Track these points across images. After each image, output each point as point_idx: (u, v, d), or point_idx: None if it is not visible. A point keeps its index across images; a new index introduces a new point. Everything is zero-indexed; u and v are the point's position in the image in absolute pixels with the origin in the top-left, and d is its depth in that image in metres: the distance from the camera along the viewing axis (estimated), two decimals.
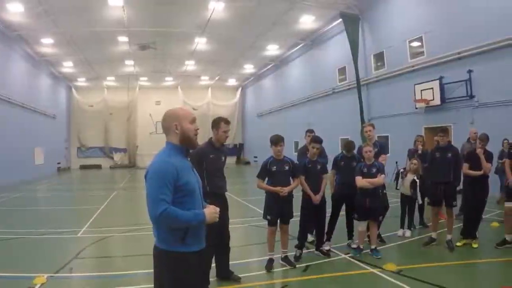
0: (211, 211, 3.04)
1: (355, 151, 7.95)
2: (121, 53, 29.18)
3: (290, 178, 6.68)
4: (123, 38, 25.51)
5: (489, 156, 7.88)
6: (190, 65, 34.09)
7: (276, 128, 23.79)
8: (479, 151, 7.86)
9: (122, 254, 8.07)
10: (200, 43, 27.15)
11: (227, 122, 5.80)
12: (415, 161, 8.86)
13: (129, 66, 33.34)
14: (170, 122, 3.08)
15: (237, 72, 39.02)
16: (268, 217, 6.60)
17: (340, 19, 21.68)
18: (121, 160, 42.47)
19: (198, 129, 3.17)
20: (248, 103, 45.81)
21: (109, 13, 21.03)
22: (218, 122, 5.75)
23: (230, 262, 6.06)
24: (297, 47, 29.46)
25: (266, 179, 6.63)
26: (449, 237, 7.75)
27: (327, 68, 26.10)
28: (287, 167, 6.58)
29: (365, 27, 21.88)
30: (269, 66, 35.94)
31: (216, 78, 40.32)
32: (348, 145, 7.83)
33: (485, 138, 8.07)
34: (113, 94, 41.80)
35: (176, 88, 42.52)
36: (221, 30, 24.38)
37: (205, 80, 40.90)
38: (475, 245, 7.76)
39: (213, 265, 5.84)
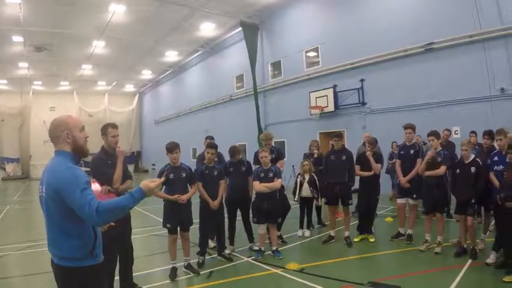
0: (146, 183, 2.85)
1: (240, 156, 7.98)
2: (15, 54, 26.67)
3: (188, 185, 6.56)
4: (18, 38, 23.31)
5: (378, 158, 8.36)
6: (87, 69, 32.17)
7: (174, 135, 23.40)
8: (368, 153, 8.33)
9: (21, 274, 7.23)
10: (98, 46, 25.79)
11: (114, 126, 5.52)
12: (305, 162, 9.11)
13: (23, 68, 30.57)
14: (59, 131, 2.88)
15: (135, 78, 37.75)
16: (168, 225, 6.44)
17: (240, 28, 21.98)
18: (14, 171, 38.40)
19: (88, 136, 3.03)
20: (145, 110, 44.50)
21: (5, 10, 19.14)
22: (105, 128, 5.48)
23: (133, 274, 5.76)
24: (196, 54, 29.34)
25: (164, 187, 6.41)
26: (346, 233, 8.19)
27: (225, 76, 26.29)
28: (184, 174, 6.45)
29: (264, 37, 22.44)
30: (167, 72, 35.33)
31: (113, 84, 38.61)
32: (231, 150, 7.81)
33: (373, 142, 8.57)
34: (4, 99, 37.70)
35: (72, 93, 39.74)
36: (121, 34, 23.45)
37: (102, 85, 38.86)
38: (371, 240, 8.28)
39: (117, 277, 5.49)
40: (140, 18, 21.32)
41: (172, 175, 6.31)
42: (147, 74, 36.63)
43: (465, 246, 6.93)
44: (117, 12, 20.14)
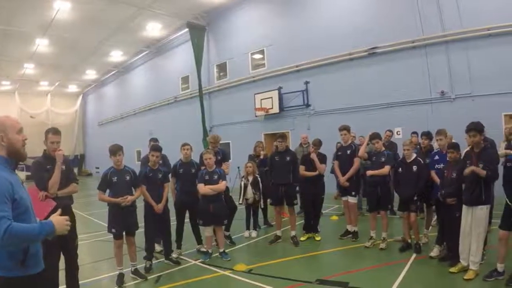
0: (59, 220, 2.64)
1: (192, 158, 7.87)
2: None
3: (132, 188, 6.35)
4: None
5: (323, 158, 8.45)
6: (29, 69, 30.41)
7: (118, 137, 22.82)
8: (312, 155, 8.39)
9: None
10: (41, 45, 24.50)
11: (55, 133, 5.20)
12: (249, 164, 9.09)
13: None
14: None
15: (78, 78, 36.19)
16: (113, 230, 6.20)
17: (187, 29, 21.66)
18: None
19: (26, 139, 2.82)
20: (89, 111, 42.74)
21: None
22: (46, 134, 5.19)
23: (79, 282, 5.46)
24: (142, 54, 28.71)
25: (108, 190, 6.20)
26: (293, 233, 8.21)
27: (171, 77, 25.89)
28: (128, 177, 6.26)
29: (211, 38, 22.26)
30: (112, 73, 34.22)
31: (56, 84, 36.75)
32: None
33: (317, 143, 8.63)
34: None
35: (13, 93, 37.54)
36: (65, 32, 22.40)
37: (44, 85, 36.86)
38: (317, 238, 8.37)
39: (63, 286, 5.23)
40: (85, 16, 20.47)
41: (115, 178, 6.13)
42: (91, 74, 35.28)
43: (409, 241, 7.17)
44: (62, 9, 19.18)
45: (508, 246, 5.41)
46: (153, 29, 23.43)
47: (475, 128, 5.64)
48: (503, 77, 11.57)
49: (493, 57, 11.82)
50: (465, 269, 5.66)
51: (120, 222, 6.15)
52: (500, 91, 11.59)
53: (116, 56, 29.09)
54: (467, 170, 5.53)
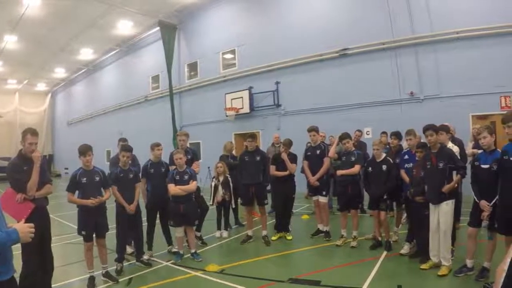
0: (24, 228, 2.54)
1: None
2: None
3: (102, 189, 6.21)
4: None
5: (293, 158, 8.46)
6: None
7: (87, 137, 22.35)
8: (283, 155, 8.38)
9: None
10: (10, 41, 23.73)
11: (34, 133, 5.07)
12: (219, 164, 9.04)
13: None
14: None
15: (47, 76, 35.13)
16: (83, 232, 6.03)
17: (158, 27, 21.44)
18: None
19: None
20: (58, 111, 41.52)
21: None
22: (24, 134, 5.06)
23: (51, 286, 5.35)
24: (112, 53, 28.19)
25: (77, 192, 6.03)
26: (264, 232, 8.21)
27: (141, 76, 25.57)
28: (97, 178, 6.11)
29: (182, 37, 22.12)
30: (82, 71, 33.42)
31: (25, 82, 35.63)
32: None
33: (288, 143, 8.62)
34: None
35: None
36: (35, 29, 21.74)
37: (12, 83, 35.60)
38: (289, 237, 8.37)
39: None
40: (55, 13, 19.93)
41: (85, 179, 5.97)
42: (60, 73, 34.29)
43: (379, 239, 7.26)
44: (31, 6, 18.65)
45: (476, 242, 5.54)
46: (124, 27, 23.05)
47: (431, 127, 5.82)
48: (471, 79, 11.96)
49: (461, 59, 12.20)
50: (436, 266, 5.78)
51: (90, 224, 5.99)
52: (467, 93, 11.99)
53: (86, 54, 28.41)
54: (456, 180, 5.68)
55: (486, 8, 11.69)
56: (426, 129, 5.86)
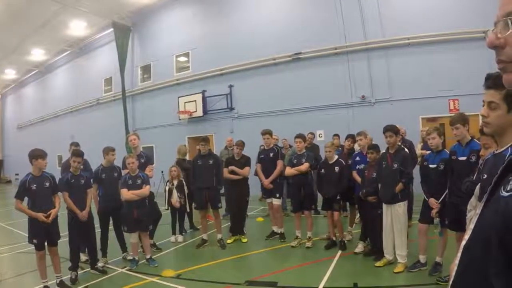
0: None
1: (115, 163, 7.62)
2: None
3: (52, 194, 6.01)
4: None
5: (247, 161, 8.50)
6: None
7: (38, 141, 21.38)
8: (232, 167, 8.39)
9: None
10: None
11: None
12: (173, 168, 8.97)
13: None
14: None
15: None
16: (34, 240, 5.80)
17: (112, 29, 20.91)
18: None
19: None
20: (7, 113, 39.55)
21: None
22: None
23: None
24: (64, 54, 27.16)
25: (27, 199, 5.82)
26: (219, 236, 8.15)
27: (93, 78, 24.76)
28: (47, 184, 5.89)
29: (136, 39, 21.68)
30: (33, 73, 31.95)
31: None
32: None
33: (241, 143, 8.64)
34: None
35: None
36: None
37: None
38: (244, 240, 8.38)
39: None
40: (6, 11, 19.01)
41: (34, 185, 5.73)
42: (10, 74, 32.65)
43: (334, 238, 7.38)
44: None
45: (427, 238, 5.75)
46: (77, 27, 22.28)
47: (391, 129, 6.01)
48: (420, 83, 12.47)
49: (411, 64, 12.71)
50: (390, 263, 5.97)
51: (41, 232, 5.77)
52: (417, 96, 12.48)
53: (38, 55, 27.26)
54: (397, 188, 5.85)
55: (436, 17, 12.23)
56: (386, 130, 6.04)
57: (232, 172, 8.37)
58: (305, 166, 7.60)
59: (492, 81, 2.06)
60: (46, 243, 5.89)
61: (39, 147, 6.06)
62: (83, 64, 25.88)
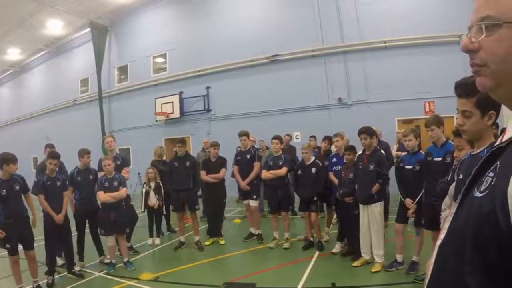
0: None
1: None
2: None
3: (22, 195, 5.88)
4: None
5: (223, 162, 8.49)
6: None
7: (13, 142, 21.03)
8: (208, 177, 8.35)
9: None
10: None
11: None
12: (150, 170, 8.89)
13: None
14: None
15: None
16: (7, 245, 5.66)
17: (88, 29, 20.59)
18: None
19: None
20: None
21: None
22: None
23: None
24: (41, 54, 26.53)
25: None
26: (197, 238, 8.11)
27: (70, 79, 24.30)
28: (17, 187, 5.75)
29: (113, 39, 21.36)
30: (8, 73, 31.10)
31: None
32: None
33: (216, 144, 8.61)
34: None
35: None
36: None
37: None
38: (222, 242, 8.34)
39: None
40: None
41: (4, 191, 5.56)
42: None
43: (311, 239, 7.43)
44: None
45: (404, 238, 5.87)
46: (54, 26, 21.76)
47: (366, 131, 6.09)
48: (397, 85, 12.65)
49: (388, 67, 12.89)
50: (368, 262, 6.05)
51: (15, 236, 5.63)
52: (393, 98, 12.66)
53: (13, 54, 26.50)
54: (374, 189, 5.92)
55: (412, 21, 12.42)
56: (360, 132, 6.11)
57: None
58: (283, 171, 7.63)
59: (461, 89, 2.13)
60: (22, 248, 5.77)
61: (14, 148, 5.95)
62: (60, 64, 25.36)
